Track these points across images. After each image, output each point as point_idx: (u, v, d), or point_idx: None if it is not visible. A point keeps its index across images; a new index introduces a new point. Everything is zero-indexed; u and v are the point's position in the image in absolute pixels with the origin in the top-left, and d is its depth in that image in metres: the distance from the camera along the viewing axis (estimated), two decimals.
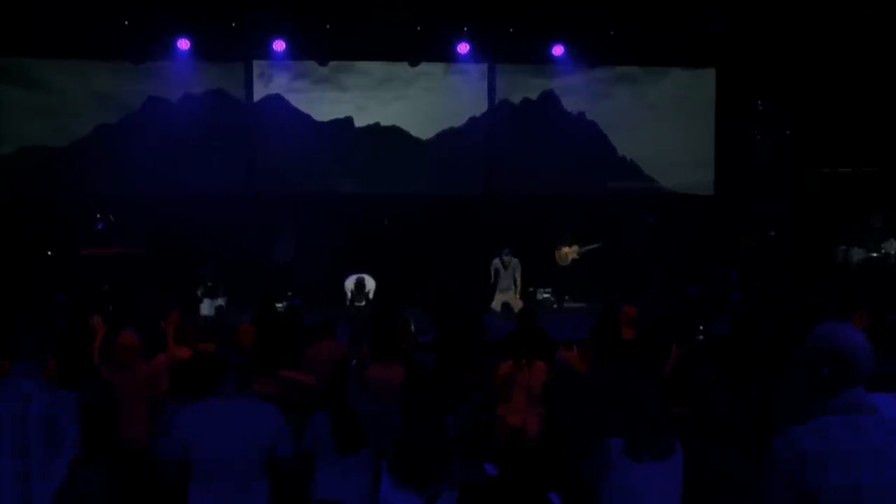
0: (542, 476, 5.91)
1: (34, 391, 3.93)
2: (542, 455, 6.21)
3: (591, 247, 13.62)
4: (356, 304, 12.36)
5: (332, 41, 13.63)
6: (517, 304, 12.12)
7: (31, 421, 3.87)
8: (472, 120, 14.61)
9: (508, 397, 6.55)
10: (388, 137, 14.39)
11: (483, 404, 6.71)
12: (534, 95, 14.70)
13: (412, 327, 8.63)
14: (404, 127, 14.45)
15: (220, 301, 11.99)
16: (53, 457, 3.90)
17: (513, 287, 12.71)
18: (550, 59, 14.29)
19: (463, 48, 14.00)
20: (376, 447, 4.68)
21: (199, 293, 12.35)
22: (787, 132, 14.29)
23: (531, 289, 13.53)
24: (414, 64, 14.32)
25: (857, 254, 12.25)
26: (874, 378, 3.72)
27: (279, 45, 13.71)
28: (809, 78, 13.48)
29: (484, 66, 14.50)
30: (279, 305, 11.39)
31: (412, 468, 4.08)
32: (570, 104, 14.70)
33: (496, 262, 12.72)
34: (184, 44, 13.46)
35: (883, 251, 12.03)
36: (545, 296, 13.88)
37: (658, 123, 14.51)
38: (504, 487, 5.96)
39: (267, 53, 13.85)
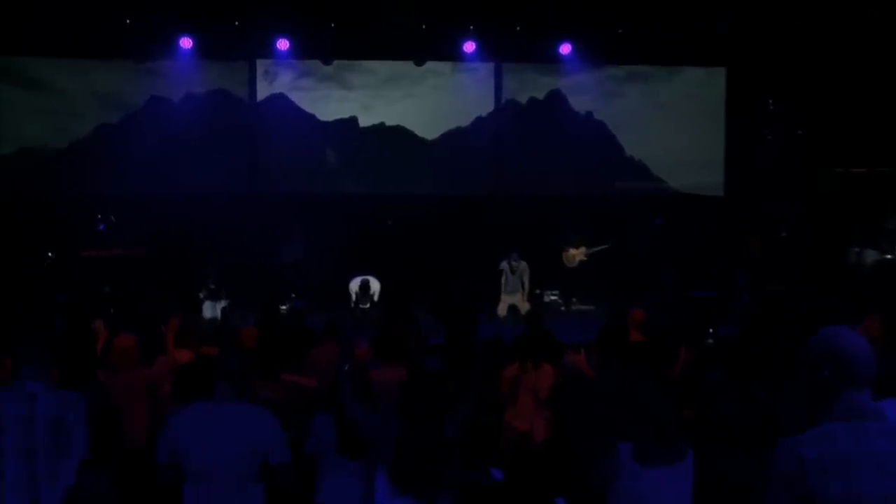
0: (548, 480, 5.90)
1: (41, 392, 3.87)
2: (549, 459, 6.20)
3: (599, 248, 13.46)
4: (361, 305, 12.30)
5: (336, 40, 13.46)
6: (524, 307, 11.94)
7: (38, 423, 3.82)
8: (479, 119, 14.47)
9: (515, 401, 6.53)
10: (394, 137, 14.26)
11: (482, 404, 6.61)
12: (541, 95, 14.55)
13: (421, 330, 8.50)
14: (410, 126, 14.32)
15: (223, 303, 11.87)
16: (61, 459, 3.85)
17: (520, 290, 12.53)
18: (558, 57, 14.11)
19: (469, 47, 13.85)
20: (375, 453, 4.59)
21: (201, 296, 12.25)
22: (799, 132, 14.10)
23: (538, 291, 13.36)
24: (419, 63, 14.17)
25: (871, 255, 12.08)
26: (889, 383, 3.56)
27: (283, 44, 13.55)
28: (822, 76, 13.29)
29: (490, 65, 14.36)
30: (282, 308, 11.27)
31: (412, 472, 4.04)
32: (578, 104, 14.54)
33: (504, 265, 12.53)
34: (186, 42, 13.32)
35: None
36: (552, 298, 13.73)
37: (667, 123, 14.33)
38: (510, 492, 5.95)
39: (270, 52, 13.68)
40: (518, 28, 13.50)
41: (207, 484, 3.97)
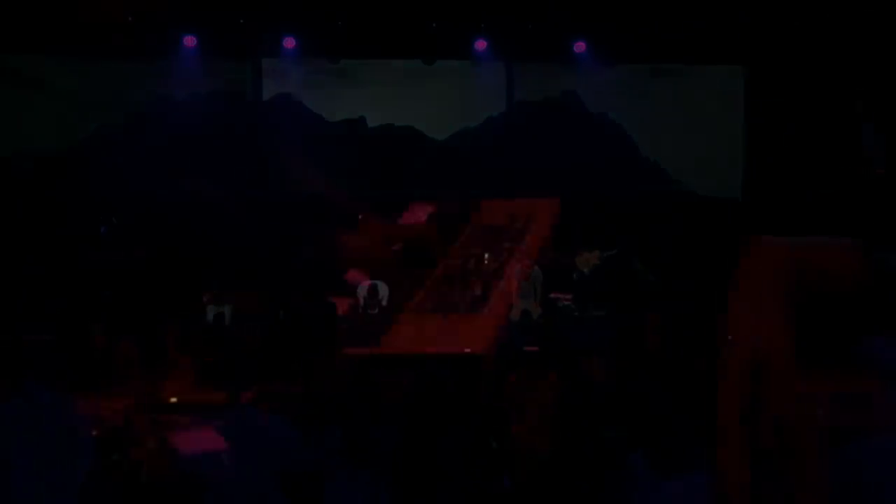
0: (556, 490, 5.66)
1: (45, 400, 3.84)
2: (557, 468, 5.94)
3: (613, 252, 13.19)
4: (369, 311, 12.05)
5: (344, 38, 13.39)
6: (536, 311, 11.74)
7: (44, 431, 3.77)
8: (490, 120, 14.38)
9: (522, 410, 6.31)
10: (402, 137, 14.20)
11: (489, 411, 6.45)
12: (554, 94, 14.44)
13: None
14: (419, 127, 14.25)
15: (225, 308, 11.68)
16: (67, 467, 3.80)
17: (532, 295, 12.29)
18: (572, 56, 13.96)
19: (480, 45, 13.76)
20: (380, 463, 4.55)
21: (204, 300, 12.06)
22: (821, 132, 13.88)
23: (550, 295, 13.10)
24: (429, 62, 14.05)
25: None
26: None
27: (289, 43, 13.51)
28: (843, 76, 13.07)
29: (502, 64, 14.24)
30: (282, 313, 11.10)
31: (413, 481, 4.04)
32: (593, 103, 14.41)
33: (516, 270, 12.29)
34: (190, 41, 13.32)
35: None
36: (565, 303, 13.45)
37: (684, 123, 14.19)
38: (518, 501, 5.73)
39: (277, 51, 13.64)
40: (531, 26, 13.40)
41: (226, 495, 3.95)
